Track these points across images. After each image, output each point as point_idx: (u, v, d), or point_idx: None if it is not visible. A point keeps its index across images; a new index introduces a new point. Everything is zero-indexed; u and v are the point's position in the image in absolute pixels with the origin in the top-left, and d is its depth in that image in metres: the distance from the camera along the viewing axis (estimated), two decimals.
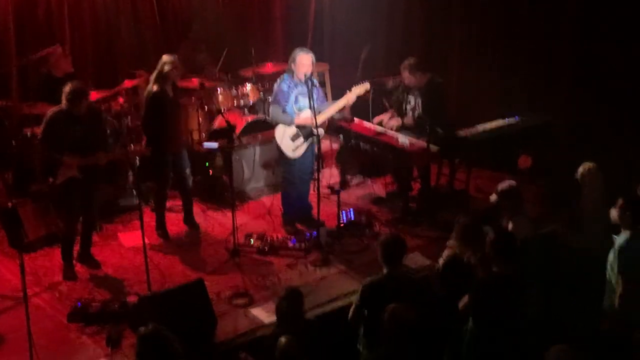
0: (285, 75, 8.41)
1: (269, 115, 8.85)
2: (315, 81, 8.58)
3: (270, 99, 8.79)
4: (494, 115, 9.62)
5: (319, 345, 6.01)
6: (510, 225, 6.91)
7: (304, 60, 8.24)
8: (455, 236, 6.67)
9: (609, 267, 6.33)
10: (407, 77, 9.06)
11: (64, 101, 7.41)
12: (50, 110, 7.57)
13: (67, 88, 7.41)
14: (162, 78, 8.24)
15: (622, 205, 6.33)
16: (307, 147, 8.45)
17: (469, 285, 6.17)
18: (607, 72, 9.42)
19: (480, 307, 6.01)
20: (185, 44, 11.44)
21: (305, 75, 8.20)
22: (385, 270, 6.21)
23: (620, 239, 6.30)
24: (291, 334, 5.71)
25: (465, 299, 6.12)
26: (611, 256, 6.30)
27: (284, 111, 8.33)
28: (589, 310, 6.63)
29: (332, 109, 8.52)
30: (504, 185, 7.16)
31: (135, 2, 11.25)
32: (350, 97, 8.45)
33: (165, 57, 8.30)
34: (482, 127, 9.29)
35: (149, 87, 8.34)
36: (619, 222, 6.36)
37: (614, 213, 6.40)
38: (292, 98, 8.32)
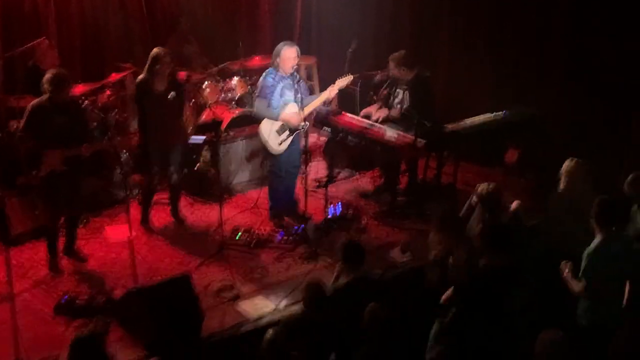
0: (270, 69, 8.40)
1: (254, 110, 8.83)
2: (298, 75, 8.54)
3: (256, 92, 8.76)
4: (482, 109, 9.64)
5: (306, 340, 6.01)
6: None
7: (288, 54, 8.22)
8: (435, 228, 6.67)
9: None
10: (393, 69, 9.06)
11: (46, 89, 7.35)
12: (32, 102, 7.52)
13: (48, 75, 7.37)
14: (149, 72, 8.22)
15: (595, 205, 6.18)
16: (293, 140, 8.43)
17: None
18: (599, 66, 9.40)
19: (468, 300, 6.01)
20: (173, 37, 11.40)
21: (291, 68, 8.19)
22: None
23: (593, 243, 6.15)
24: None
25: (449, 292, 6.12)
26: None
27: (269, 105, 8.31)
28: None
29: (316, 102, 8.54)
30: (483, 188, 7.14)
31: None
32: (333, 90, 8.44)
33: (155, 51, 8.26)
34: (469, 121, 9.30)
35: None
36: (593, 225, 6.21)
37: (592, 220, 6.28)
38: (278, 91, 8.31)
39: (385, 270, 7.69)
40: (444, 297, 6.18)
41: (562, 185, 7.21)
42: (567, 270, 6.24)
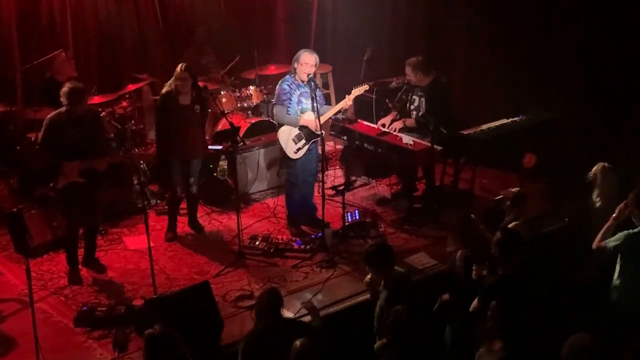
0: (287, 77, 8.43)
1: (272, 117, 8.85)
2: (317, 83, 8.57)
3: (273, 100, 8.79)
4: (498, 115, 9.62)
5: (327, 346, 6.00)
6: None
7: (307, 60, 8.24)
8: (452, 234, 6.66)
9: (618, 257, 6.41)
10: (410, 74, 9.05)
11: (64, 102, 7.39)
12: (50, 115, 7.56)
13: (65, 89, 7.41)
14: (171, 86, 8.28)
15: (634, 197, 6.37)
16: (310, 149, 8.45)
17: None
18: (614, 70, 9.37)
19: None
20: (191, 48, 11.46)
21: (307, 76, 8.22)
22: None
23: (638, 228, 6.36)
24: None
25: (475, 303, 6.11)
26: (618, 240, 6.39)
27: (287, 112, 8.34)
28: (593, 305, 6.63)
29: (332, 111, 8.59)
30: (510, 192, 7.15)
31: (139, 7, 11.28)
32: (348, 100, 8.46)
33: (177, 68, 8.29)
34: (486, 126, 9.29)
35: None
36: (633, 218, 6.40)
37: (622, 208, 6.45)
38: (295, 99, 8.33)
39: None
40: (471, 307, 6.16)
41: (597, 200, 7.21)
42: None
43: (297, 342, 5.47)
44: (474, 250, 6.49)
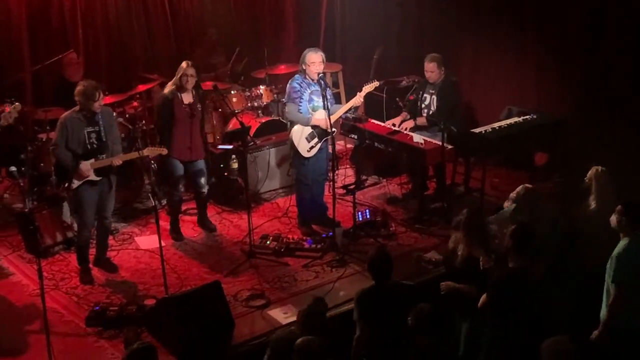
0: (296, 76, 8.43)
1: (284, 116, 8.84)
2: (327, 82, 8.56)
3: (284, 99, 8.79)
4: (507, 114, 9.60)
5: (336, 346, 6.00)
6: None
7: (313, 59, 8.24)
8: (461, 229, 6.63)
9: (607, 275, 6.11)
10: (434, 69, 9.03)
11: (78, 100, 7.41)
12: (64, 114, 7.58)
13: (79, 88, 7.42)
14: (175, 84, 8.27)
15: (620, 210, 6.09)
16: (321, 148, 8.45)
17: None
18: (625, 67, 9.34)
19: (499, 304, 5.98)
20: (201, 48, 11.48)
21: (317, 75, 8.23)
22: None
23: (618, 246, 6.06)
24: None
25: (484, 298, 6.10)
26: (608, 264, 6.09)
27: (299, 111, 8.34)
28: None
29: (343, 109, 8.56)
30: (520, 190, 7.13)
31: (148, 7, 11.30)
32: (359, 97, 8.44)
33: (182, 64, 8.30)
34: (497, 124, 9.26)
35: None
36: (617, 229, 6.13)
37: (613, 219, 6.16)
38: (306, 97, 8.32)
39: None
40: (480, 303, 6.15)
41: (593, 203, 7.06)
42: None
43: (300, 339, 5.50)
44: (479, 243, 6.47)
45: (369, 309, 6.19)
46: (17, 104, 7.23)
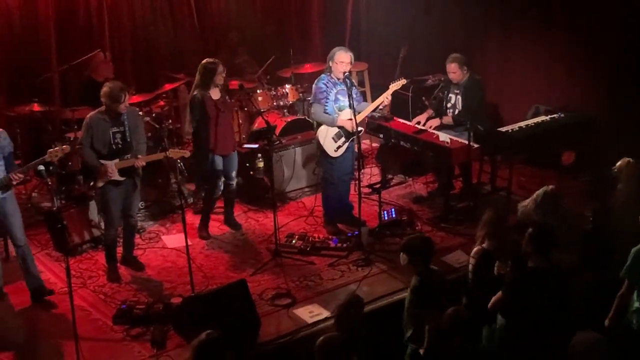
0: (322, 75, 8.42)
1: (309, 116, 8.84)
2: (353, 81, 8.56)
3: (310, 99, 8.79)
4: (534, 113, 9.54)
5: (364, 344, 5.99)
6: None
7: (342, 58, 8.23)
8: (482, 228, 6.62)
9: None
10: (455, 70, 9.01)
11: (104, 101, 7.45)
12: (90, 114, 7.62)
13: (105, 89, 7.46)
14: (203, 82, 8.28)
15: None
16: (348, 147, 8.44)
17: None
18: None
19: (515, 303, 5.95)
20: (224, 51, 11.51)
21: (343, 74, 8.22)
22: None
23: None
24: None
25: (497, 296, 6.07)
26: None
27: (325, 111, 8.33)
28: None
29: (369, 108, 8.54)
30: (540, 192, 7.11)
31: (174, 8, 11.38)
32: (387, 95, 8.42)
33: (210, 63, 8.28)
34: (524, 123, 9.22)
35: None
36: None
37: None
38: (332, 97, 8.32)
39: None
40: (491, 303, 6.12)
41: (619, 186, 7.05)
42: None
43: (322, 337, 5.52)
44: (499, 246, 6.45)
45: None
46: (65, 146, 7.23)
